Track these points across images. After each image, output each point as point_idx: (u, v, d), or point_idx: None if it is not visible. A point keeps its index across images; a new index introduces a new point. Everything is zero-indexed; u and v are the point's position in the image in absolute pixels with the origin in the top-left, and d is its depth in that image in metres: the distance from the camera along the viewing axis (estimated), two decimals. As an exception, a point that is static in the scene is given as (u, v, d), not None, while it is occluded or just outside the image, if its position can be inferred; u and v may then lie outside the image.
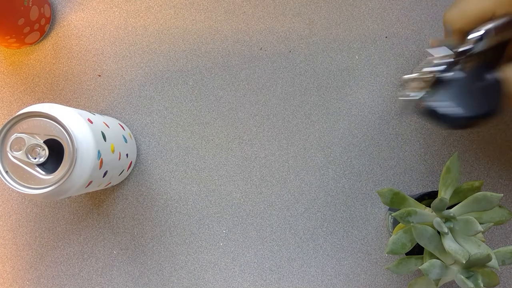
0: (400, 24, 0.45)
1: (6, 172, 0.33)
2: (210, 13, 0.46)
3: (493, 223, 0.34)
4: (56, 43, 0.47)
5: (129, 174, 0.46)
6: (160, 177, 0.46)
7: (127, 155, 0.42)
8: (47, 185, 0.33)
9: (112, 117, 0.45)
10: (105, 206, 0.46)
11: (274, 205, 0.46)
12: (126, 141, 0.43)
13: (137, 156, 0.46)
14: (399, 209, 0.34)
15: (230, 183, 0.46)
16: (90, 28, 0.47)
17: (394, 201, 0.35)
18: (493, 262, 0.32)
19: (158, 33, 0.46)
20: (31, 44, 0.46)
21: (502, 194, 0.33)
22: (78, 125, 0.34)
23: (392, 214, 0.37)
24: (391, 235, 0.38)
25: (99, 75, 0.46)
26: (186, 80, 0.46)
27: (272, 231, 0.46)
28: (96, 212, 0.46)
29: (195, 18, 0.46)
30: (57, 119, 0.33)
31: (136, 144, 0.46)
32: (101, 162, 0.36)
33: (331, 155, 0.46)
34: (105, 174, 0.38)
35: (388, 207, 0.45)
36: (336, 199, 0.46)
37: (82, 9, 0.47)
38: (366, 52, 0.46)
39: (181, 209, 0.46)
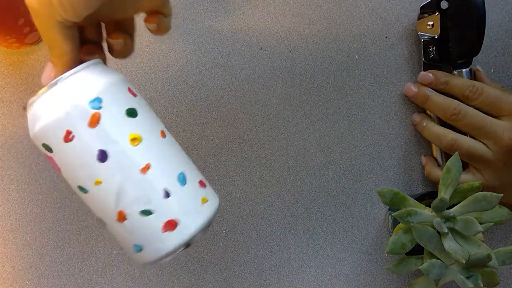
0: (400, 24, 0.45)
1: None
2: (210, 13, 0.46)
3: (493, 223, 0.34)
4: (56, 43, 0.47)
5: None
6: (160, 177, 0.46)
7: None
8: None
9: None
10: (105, 206, 0.46)
11: (274, 205, 0.46)
12: None
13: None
14: (399, 209, 0.34)
15: (230, 183, 0.46)
16: (90, 28, 0.47)
17: (394, 201, 0.35)
18: (493, 262, 0.32)
19: (158, 33, 0.46)
20: (31, 44, 0.46)
21: (502, 194, 0.33)
22: None
23: (392, 214, 0.37)
24: (391, 235, 0.38)
25: (99, 75, 0.46)
26: (186, 80, 0.46)
27: (272, 231, 0.46)
28: (96, 212, 0.46)
29: (195, 18, 0.46)
30: None
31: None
32: None
33: (331, 155, 0.46)
34: None
35: (388, 207, 0.45)
36: (336, 199, 0.46)
37: (82, 9, 0.47)
38: (366, 52, 0.46)
39: (181, 209, 0.46)
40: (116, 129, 0.25)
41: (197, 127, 0.46)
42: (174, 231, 0.26)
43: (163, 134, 0.28)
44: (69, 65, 0.27)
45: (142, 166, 0.25)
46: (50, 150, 0.26)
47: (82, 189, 0.26)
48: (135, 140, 0.26)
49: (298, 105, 0.46)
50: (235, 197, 0.46)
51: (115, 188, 0.25)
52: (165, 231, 0.26)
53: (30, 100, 0.27)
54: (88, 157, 0.25)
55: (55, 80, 0.26)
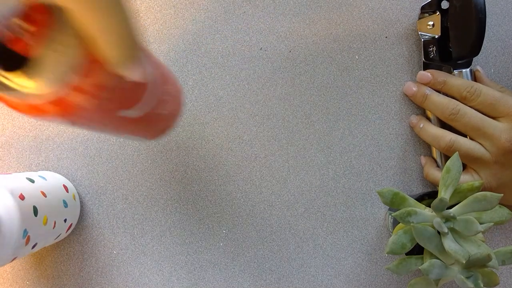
0: (400, 24, 0.45)
1: None
2: (210, 13, 0.46)
3: (493, 223, 0.34)
4: (56, 43, 0.47)
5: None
6: (160, 177, 0.46)
7: (65, 220, 0.42)
8: None
9: (61, 174, 0.45)
10: (105, 207, 0.46)
11: (274, 205, 0.46)
12: (66, 206, 0.42)
13: (137, 157, 0.46)
14: (399, 209, 0.34)
15: (230, 183, 0.46)
16: (90, 28, 0.47)
17: (394, 201, 0.35)
18: (493, 262, 0.32)
19: (158, 33, 0.46)
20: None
21: (502, 194, 0.33)
22: (2, 208, 0.33)
23: (392, 214, 0.37)
24: (391, 235, 0.38)
25: (99, 75, 0.46)
26: (186, 80, 0.46)
27: (272, 231, 0.46)
28: (96, 212, 0.46)
29: (195, 18, 0.46)
30: None
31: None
32: (28, 239, 0.35)
33: (331, 155, 0.46)
34: (34, 246, 0.37)
35: (388, 207, 0.45)
36: (336, 199, 0.46)
37: (82, 9, 0.47)
38: (366, 52, 0.46)
39: (181, 209, 0.46)
40: None
41: (197, 127, 0.46)
42: None
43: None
44: None
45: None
46: None
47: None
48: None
49: (298, 105, 0.46)
50: (235, 197, 0.46)
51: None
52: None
53: None
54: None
55: None
